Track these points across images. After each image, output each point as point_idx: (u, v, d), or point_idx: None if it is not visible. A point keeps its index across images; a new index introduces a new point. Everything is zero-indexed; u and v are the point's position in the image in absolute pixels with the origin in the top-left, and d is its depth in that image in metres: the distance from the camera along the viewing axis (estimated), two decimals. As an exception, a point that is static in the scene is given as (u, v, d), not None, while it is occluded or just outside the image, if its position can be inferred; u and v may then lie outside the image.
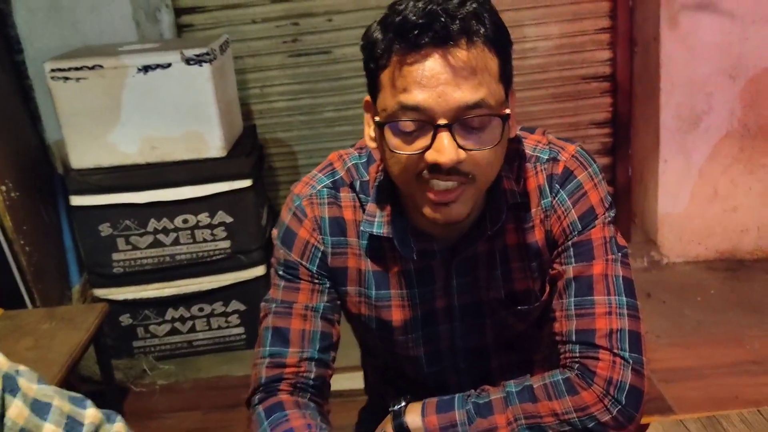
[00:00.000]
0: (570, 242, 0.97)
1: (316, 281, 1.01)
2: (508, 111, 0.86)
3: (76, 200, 2.42)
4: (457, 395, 0.95)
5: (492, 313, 1.04)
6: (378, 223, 0.98)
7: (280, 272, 1.02)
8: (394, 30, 0.83)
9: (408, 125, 0.84)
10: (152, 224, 2.44)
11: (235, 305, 2.59)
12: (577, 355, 0.93)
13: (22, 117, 2.67)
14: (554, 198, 0.98)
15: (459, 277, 1.01)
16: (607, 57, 2.99)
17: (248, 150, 2.55)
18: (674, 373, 2.23)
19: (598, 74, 3.01)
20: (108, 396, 2.20)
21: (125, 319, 2.56)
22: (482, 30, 0.82)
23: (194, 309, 2.58)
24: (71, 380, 2.34)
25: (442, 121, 0.82)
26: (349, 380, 2.12)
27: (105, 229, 2.43)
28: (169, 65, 2.30)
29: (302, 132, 3.05)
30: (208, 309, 2.58)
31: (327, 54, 2.92)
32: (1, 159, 2.42)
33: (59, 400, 0.79)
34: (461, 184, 0.86)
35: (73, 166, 2.43)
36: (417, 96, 0.82)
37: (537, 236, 1.00)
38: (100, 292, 2.52)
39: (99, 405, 0.84)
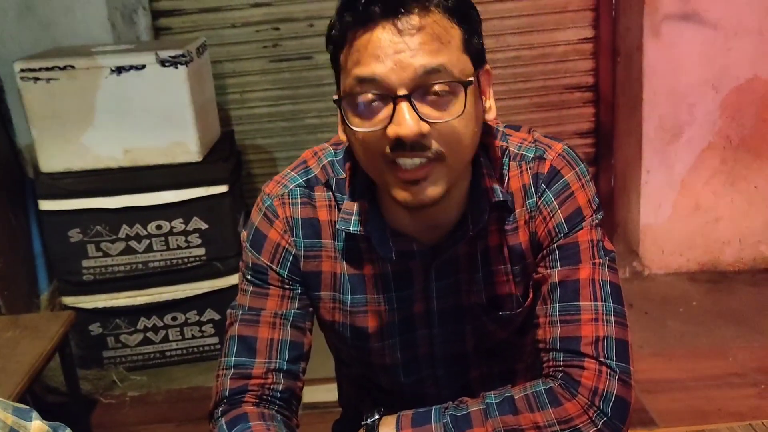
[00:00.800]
0: (555, 245, 0.92)
1: (287, 287, 0.96)
2: (471, 78, 0.82)
3: (46, 205, 2.35)
4: (434, 407, 0.90)
5: (472, 319, 0.99)
6: (355, 221, 0.93)
7: (248, 277, 0.97)
8: (345, 5, 0.80)
9: (365, 98, 0.80)
10: (124, 230, 2.37)
11: (210, 314, 2.53)
12: (561, 363, 0.88)
13: (-8, 119, 2.60)
14: (540, 198, 0.94)
15: (438, 280, 0.96)
16: (590, 67, 2.98)
17: (225, 155, 2.50)
18: (657, 385, 2.21)
19: (581, 84, 3.00)
20: (74, 408, 2.12)
21: (95, 328, 2.48)
22: None
23: (167, 318, 2.51)
24: (36, 390, 2.26)
25: (401, 92, 0.78)
26: (325, 392, 2.07)
27: (75, 234, 2.36)
28: (143, 67, 2.24)
29: (283, 138, 3.00)
30: (181, 318, 2.52)
31: (308, 59, 2.89)
32: (-33, 161, 2.34)
33: (2, 411, 0.73)
34: (429, 161, 0.81)
35: (42, 170, 2.36)
36: (373, 67, 0.78)
37: (521, 238, 0.95)
38: (69, 300, 2.44)
39: (64, 417, 0.79)
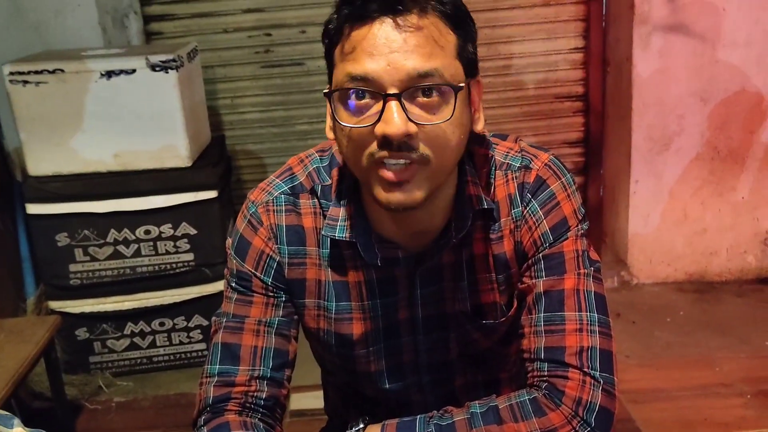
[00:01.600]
0: (540, 255, 0.93)
1: (271, 294, 0.96)
2: (462, 84, 0.82)
3: (33, 208, 2.33)
4: (418, 417, 0.90)
5: (457, 327, 0.99)
6: (340, 227, 0.93)
7: (233, 284, 0.97)
8: (343, 0, 0.80)
9: (356, 94, 0.80)
10: (112, 235, 2.36)
11: (198, 320, 2.51)
12: (546, 373, 0.89)
13: (-20, 122, 2.58)
14: (525, 208, 0.94)
15: (423, 288, 0.96)
16: (580, 77, 2.99)
17: (215, 160, 2.49)
18: (643, 394, 2.21)
19: (571, 94, 3.02)
20: (59, 413, 2.10)
21: (81, 333, 2.46)
22: (434, 1, 0.80)
23: (155, 323, 2.49)
24: (21, 395, 2.24)
25: (391, 90, 0.78)
26: (312, 399, 2.06)
27: (62, 239, 2.34)
28: (133, 71, 2.24)
29: (274, 144, 3.00)
30: (169, 324, 2.50)
31: (300, 66, 2.89)
32: (-46, 164, 2.33)
33: (-18, 417, 0.72)
34: (414, 163, 0.81)
35: (30, 173, 2.34)
36: (366, 65, 0.78)
37: (506, 247, 0.95)
38: (55, 305, 2.42)
39: (49, 423, 0.78)
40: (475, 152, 0.95)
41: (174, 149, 2.33)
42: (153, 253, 2.40)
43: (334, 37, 0.83)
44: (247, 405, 0.92)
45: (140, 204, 2.34)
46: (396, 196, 0.82)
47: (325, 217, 0.94)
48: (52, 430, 0.81)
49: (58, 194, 2.31)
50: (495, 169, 0.95)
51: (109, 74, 2.24)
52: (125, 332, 2.48)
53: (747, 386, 2.23)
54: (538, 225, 0.93)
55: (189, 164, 2.36)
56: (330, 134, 0.89)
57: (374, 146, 0.80)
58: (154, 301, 2.45)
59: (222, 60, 2.87)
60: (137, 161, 2.34)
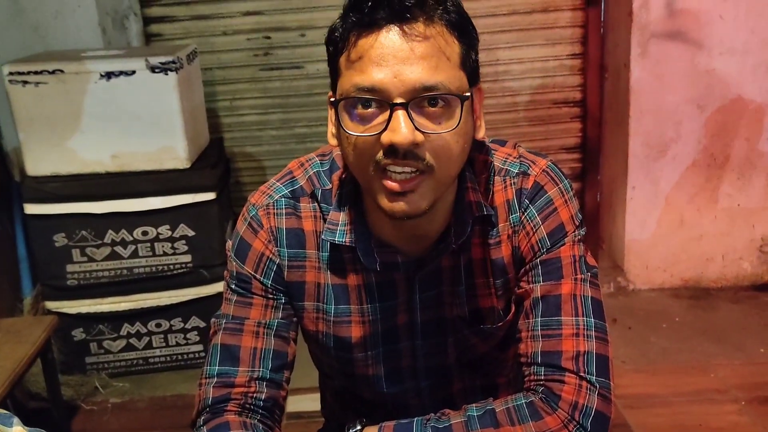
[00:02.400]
0: (538, 260, 0.93)
1: (270, 296, 0.96)
2: (468, 93, 0.83)
3: (31, 208, 2.33)
4: (415, 419, 0.90)
5: (455, 331, 1.00)
6: (341, 231, 0.93)
7: (233, 286, 0.97)
8: (350, 7, 0.80)
9: (363, 105, 0.80)
10: (110, 236, 2.36)
11: (195, 322, 2.51)
12: (542, 377, 0.89)
13: (-21, 122, 2.58)
14: (523, 213, 0.95)
15: (422, 292, 0.97)
16: (577, 82, 3.01)
17: (214, 162, 2.49)
18: (639, 400, 2.22)
19: (569, 99, 3.03)
20: (55, 414, 2.10)
21: (78, 334, 2.46)
22: (440, 10, 0.80)
23: (151, 324, 2.49)
24: (17, 396, 2.24)
25: (398, 100, 0.78)
26: (309, 401, 2.06)
27: (60, 239, 2.34)
28: (133, 72, 2.24)
29: (273, 147, 3.00)
30: (166, 325, 2.50)
31: (299, 69, 2.90)
32: (-47, 163, 2.33)
33: (-18, 416, 0.73)
34: (419, 172, 0.82)
35: (29, 173, 2.34)
36: (373, 75, 0.78)
37: (504, 252, 0.96)
38: (52, 305, 2.42)
39: (45, 423, 0.78)
40: (474, 158, 0.96)
41: (173, 151, 2.34)
42: (150, 254, 2.40)
43: (339, 44, 0.83)
44: (247, 406, 0.92)
45: (138, 205, 2.34)
46: (400, 206, 0.83)
47: (325, 221, 0.95)
48: (48, 431, 0.81)
49: (56, 194, 2.31)
50: (494, 175, 0.96)
51: (109, 75, 2.24)
52: (122, 333, 2.48)
53: (742, 392, 2.24)
54: (536, 230, 0.94)
55: (187, 166, 2.36)
56: (332, 141, 0.89)
57: (380, 154, 0.81)
58: (151, 303, 2.45)
59: (221, 62, 2.88)
60: (135, 162, 2.34)
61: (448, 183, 0.88)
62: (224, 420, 0.90)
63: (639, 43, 2.68)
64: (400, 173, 0.81)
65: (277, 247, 0.95)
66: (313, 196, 0.96)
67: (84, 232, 2.35)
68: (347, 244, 0.93)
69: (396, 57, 0.78)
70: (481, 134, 0.90)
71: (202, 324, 2.51)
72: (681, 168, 2.83)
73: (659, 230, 2.90)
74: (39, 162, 2.33)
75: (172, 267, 2.42)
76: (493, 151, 0.98)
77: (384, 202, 0.84)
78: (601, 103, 3.00)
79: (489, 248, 0.96)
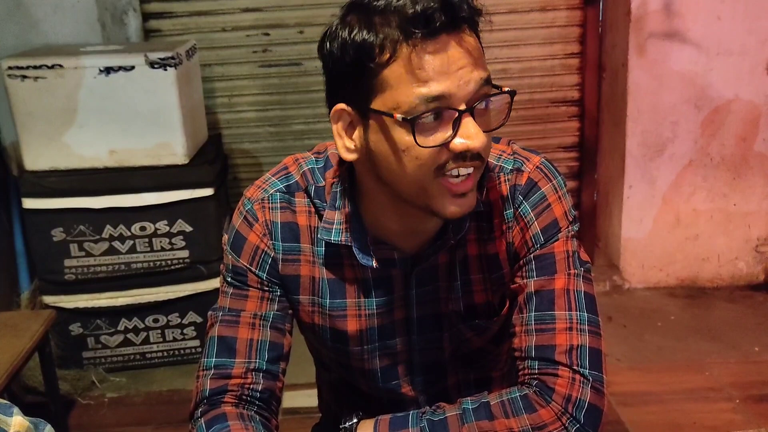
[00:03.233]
0: (532, 255, 0.94)
1: (266, 289, 0.97)
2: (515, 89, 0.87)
3: (29, 203, 2.34)
4: (411, 412, 0.91)
5: (450, 326, 1.01)
6: (336, 230, 0.94)
7: (228, 279, 0.98)
8: (401, 22, 0.79)
9: (434, 116, 0.81)
10: (108, 230, 2.36)
11: (192, 317, 2.52)
12: (536, 371, 0.90)
13: (-23, 116, 2.58)
14: (517, 209, 0.96)
15: (418, 287, 0.98)
16: (575, 82, 3.02)
17: (212, 158, 2.50)
18: (633, 397, 2.23)
19: (567, 98, 3.04)
20: (52, 408, 2.10)
21: (75, 328, 2.46)
22: (472, 12, 0.83)
23: (149, 320, 2.50)
24: (14, 390, 2.24)
25: (462, 106, 0.81)
26: (306, 397, 2.07)
27: (58, 234, 2.35)
28: (132, 68, 2.24)
29: (270, 143, 3.01)
30: (163, 320, 2.51)
31: (298, 66, 2.90)
32: (-49, 157, 2.33)
33: (-19, 406, 0.73)
34: (476, 169, 0.86)
35: (27, 168, 2.35)
36: (441, 85, 0.80)
37: (498, 248, 0.97)
38: (50, 300, 2.42)
39: (42, 417, 0.79)
40: None
41: (171, 146, 2.34)
42: (148, 249, 2.40)
43: (381, 57, 0.80)
44: (244, 397, 0.93)
45: (136, 200, 2.35)
46: (461, 206, 0.86)
47: (319, 217, 0.96)
48: (44, 425, 0.82)
49: (55, 189, 2.32)
50: (488, 172, 0.97)
51: (108, 71, 2.24)
52: (119, 328, 2.49)
53: (736, 391, 2.25)
54: (530, 226, 0.95)
55: (185, 162, 2.37)
56: (349, 156, 0.88)
57: (443, 160, 0.83)
58: (148, 298, 2.46)
59: (220, 58, 2.88)
60: (134, 158, 2.34)
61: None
62: (221, 411, 0.91)
63: (637, 43, 2.69)
64: (464, 174, 0.84)
65: (271, 240, 0.96)
66: (306, 191, 0.97)
67: (82, 227, 2.35)
68: (343, 242, 0.94)
69: (457, 64, 0.80)
70: None
71: (200, 319, 2.51)
72: (678, 167, 2.84)
73: (655, 229, 2.92)
74: (37, 157, 2.33)
75: (169, 262, 2.43)
76: None
77: (445, 206, 0.86)
78: (598, 102, 3.01)
79: (484, 244, 0.97)
